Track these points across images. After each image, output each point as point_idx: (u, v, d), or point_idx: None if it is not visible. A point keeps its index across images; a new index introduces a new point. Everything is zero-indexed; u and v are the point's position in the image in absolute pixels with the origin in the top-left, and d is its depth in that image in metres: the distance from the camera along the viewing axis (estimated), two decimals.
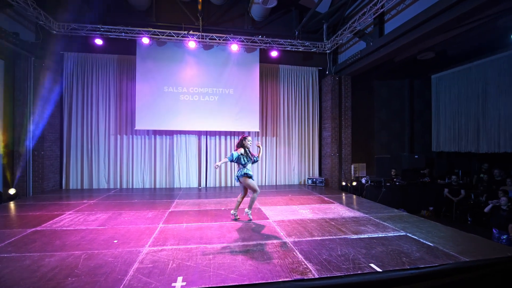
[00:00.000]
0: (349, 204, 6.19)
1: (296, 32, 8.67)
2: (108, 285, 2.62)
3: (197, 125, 8.55)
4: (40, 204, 6.08)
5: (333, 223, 4.74)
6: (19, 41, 7.01)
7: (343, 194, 7.56)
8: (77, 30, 7.69)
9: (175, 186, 8.72)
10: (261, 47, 8.51)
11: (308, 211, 5.60)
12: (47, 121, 7.76)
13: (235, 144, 4.99)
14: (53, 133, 8.00)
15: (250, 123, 8.74)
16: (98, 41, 7.84)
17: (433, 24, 5.46)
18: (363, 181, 8.36)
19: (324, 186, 8.76)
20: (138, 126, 8.30)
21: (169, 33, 7.96)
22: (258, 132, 9.07)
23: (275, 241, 3.84)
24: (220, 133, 8.96)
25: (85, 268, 2.98)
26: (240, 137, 4.96)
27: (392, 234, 4.10)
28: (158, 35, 7.97)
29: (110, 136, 8.52)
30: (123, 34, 7.86)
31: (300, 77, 9.47)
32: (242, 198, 5.08)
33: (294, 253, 3.44)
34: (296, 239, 3.92)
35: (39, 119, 7.57)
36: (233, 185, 9.03)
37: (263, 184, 9.20)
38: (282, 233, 4.18)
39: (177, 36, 8.03)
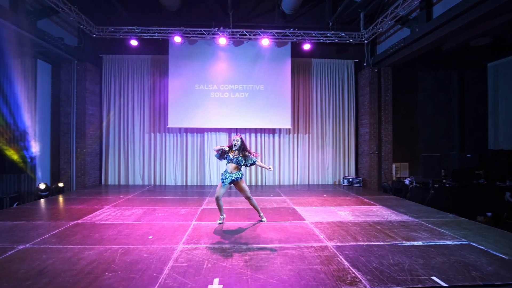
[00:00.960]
0: (393, 207, 5.65)
1: (330, 23, 8.20)
2: (143, 283, 2.52)
3: (227, 123, 8.47)
4: (82, 198, 6.36)
5: (378, 227, 4.30)
6: (64, 45, 7.43)
7: (384, 196, 6.98)
8: (114, 32, 7.98)
9: (206, 184, 8.73)
10: (293, 40, 8.18)
11: (347, 213, 5.18)
12: (89, 120, 8.16)
13: (246, 147, 4.40)
14: (93, 131, 8.40)
15: (281, 120, 8.46)
16: (134, 42, 8.07)
17: (490, 4, 4.76)
18: (407, 181, 7.65)
19: (362, 186, 8.20)
20: (170, 124, 8.42)
21: (200, 31, 7.97)
22: (289, 129, 8.76)
23: (315, 245, 3.54)
24: (250, 130, 8.79)
25: (122, 263, 2.94)
26: (242, 139, 4.37)
27: (452, 243, 3.58)
28: (189, 33, 8.02)
29: (145, 134, 8.76)
30: (156, 34, 8.01)
31: (334, 71, 8.97)
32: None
33: (339, 259, 3.11)
34: (338, 244, 3.58)
35: (81, 118, 7.98)
36: (264, 183, 8.82)
37: (295, 183, 8.86)
38: (322, 236, 3.86)
39: (208, 34, 8.00)
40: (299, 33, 8.00)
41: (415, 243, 3.58)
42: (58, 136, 7.95)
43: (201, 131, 8.79)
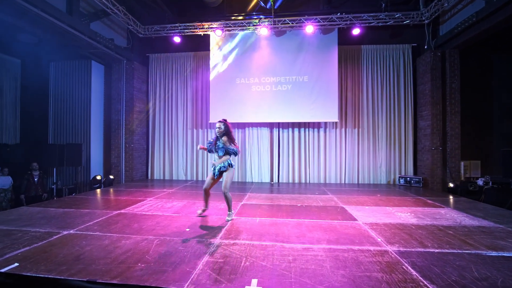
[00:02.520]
0: (466, 210, 4.69)
1: (383, 4, 7.33)
2: (175, 277, 2.27)
3: (269, 117, 8.11)
4: (128, 190, 6.58)
5: (450, 232, 3.51)
6: (114, 46, 7.86)
7: (452, 197, 5.92)
8: (159, 31, 8.22)
9: (247, 180, 8.49)
10: (340, 25, 7.50)
11: (408, 214, 4.42)
12: (137, 117, 8.54)
13: (228, 134, 4.01)
14: (140, 128, 8.77)
15: (327, 113, 7.82)
16: (176, 39, 8.21)
17: None
18: (480, 182, 6.44)
19: (422, 186, 7.14)
20: (212, 120, 8.38)
21: (241, 23, 7.77)
22: (336, 122, 8.06)
23: (371, 248, 2.96)
24: (293, 125, 8.31)
25: (156, 254, 2.75)
26: (227, 123, 4.02)
27: None
28: (230, 26, 7.88)
29: (188, 130, 8.86)
30: (198, 29, 8.04)
31: (388, 57, 8.01)
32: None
33: (403, 267, 2.51)
34: (402, 249, 2.95)
35: (129, 115, 8.38)
36: (308, 181, 8.26)
37: (342, 182, 8.11)
38: (379, 239, 3.25)
39: (249, 26, 7.77)
40: (347, 17, 7.30)
41: (506, 254, 2.78)
42: (109, 132, 8.46)
43: (242, 126, 8.59)
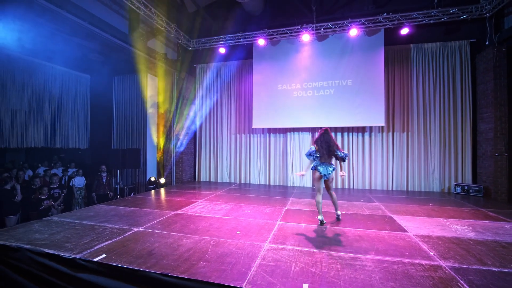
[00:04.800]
0: None
1: (436, 0, 6.89)
2: (233, 276, 2.55)
3: (310, 122, 8.14)
4: (180, 192, 7.19)
5: None
6: (167, 60, 8.64)
7: None
8: (205, 43, 8.81)
9: (289, 184, 8.62)
10: (387, 26, 7.24)
11: (465, 227, 4.16)
12: (186, 123, 9.25)
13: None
14: (189, 133, 9.46)
15: (373, 117, 7.58)
16: (222, 50, 8.71)
17: None
18: None
19: (483, 196, 6.54)
20: (254, 125, 8.70)
21: (283, 30, 7.95)
22: (383, 126, 7.77)
23: (423, 262, 2.92)
24: (336, 129, 8.22)
25: (214, 254, 3.07)
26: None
27: None
28: (272, 35, 8.11)
29: (231, 135, 9.32)
30: (241, 40, 8.42)
31: (442, 56, 7.48)
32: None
33: (459, 284, 2.46)
34: (457, 265, 2.85)
35: (180, 121, 9.11)
36: (352, 187, 8.10)
37: (389, 188, 7.79)
38: (432, 253, 3.17)
39: (291, 32, 7.91)
40: (395, 17, 7.02)
41: None
42: (164, 139, 9.29)
43: (283, 131, 8.77)
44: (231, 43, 8.57)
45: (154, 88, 9.46)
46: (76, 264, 2.95)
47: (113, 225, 4.12)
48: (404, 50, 7.76)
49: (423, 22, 6.95)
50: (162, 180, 8.54)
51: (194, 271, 2.63)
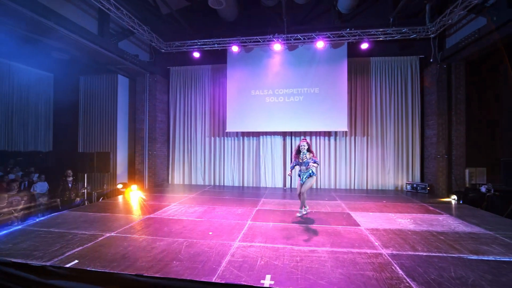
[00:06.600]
0: (463, 217, 5.05)
1: (391, 19, 7.69)
2: (205, 272, 2.84)
3: (282, 126, 8.63)
4: (153, 195, 7.27)
5: (442, 237, 3.93)
6: (139, 61, 8.61)
7: (454, 204, 6.24)
8: (180, 47, 8.91)
9: (261, 185, 9.03)
10: (349, 40, 7.92)
11: (408, 220, 4.83)
12: (158, 126, 9.27)
13: (311, 149, 4.98)
14: (162, 136, 9.50)
15: (338, 122, 8.25)
16: (196, 54, 8.88)
17: None
18: (483, 189, 6.69)
19: (428, 193, 7.45)
20: (228, 129, 8.99)
21: (256, 38, 8.32)
22: (346, 131, 8.47)
23: (368, 251, 3.44)
24: (305, 134, 8.79)
25: (186, 254, 3.34)
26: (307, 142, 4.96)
27: None
28: (245, 42, 8.45)
29: (205, 138, 9.52)
30: (215, 45, 8.65)
31: (396, 69, 8.37)
32: None
33: (393, 267, 2.98)
34: (394, 252, 3.41)
35: (152, 124, 9.11)
36: (319, 187, 8.71)
37: (352, 187, 8.52)
38: (376, 243, 3.71)
39: (263, 41, 8.31)
40: (356, 32, 7.71)
41: (485, 258, 3.20)
42: (134, 140, 9.23)
43: (256, 134, 9.16)
44: (205, 47, 8.76)
45: (125, 89, 9.34)
46: (47, 271, 2.97)
47: (84, 231, 4.17)
48: (365, 62, 8.53)
49: (380, 38, 7.72)
50: (133, 186, 8.46)
51: (167, 270, 2.89)
